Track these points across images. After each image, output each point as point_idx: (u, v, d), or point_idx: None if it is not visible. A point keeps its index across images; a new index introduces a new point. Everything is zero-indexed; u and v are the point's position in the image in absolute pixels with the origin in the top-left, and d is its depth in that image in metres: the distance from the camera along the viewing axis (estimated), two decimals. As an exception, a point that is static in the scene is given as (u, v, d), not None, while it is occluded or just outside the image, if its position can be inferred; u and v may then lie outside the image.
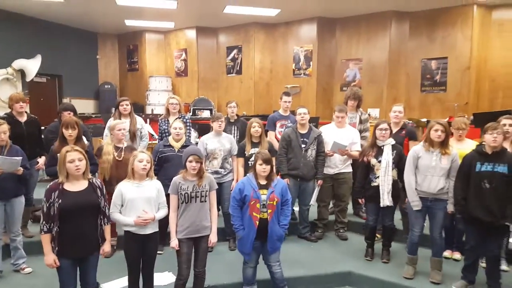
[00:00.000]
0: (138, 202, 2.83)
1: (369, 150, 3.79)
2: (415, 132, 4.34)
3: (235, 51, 10.08)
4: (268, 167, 3.10)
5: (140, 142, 4.61)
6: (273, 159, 3.94)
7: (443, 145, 3.31)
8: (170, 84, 10.31)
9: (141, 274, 2.96)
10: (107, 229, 2.75)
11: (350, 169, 4.41)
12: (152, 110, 9.69)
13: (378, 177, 3.70)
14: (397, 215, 4.10)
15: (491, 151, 3.06)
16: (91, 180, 2.68)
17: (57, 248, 2.53)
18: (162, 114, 4.98)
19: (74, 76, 9.91)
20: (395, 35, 8.43)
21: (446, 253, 3.86)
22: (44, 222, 2.52)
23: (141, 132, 4.65)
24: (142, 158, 2.87)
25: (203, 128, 6.33)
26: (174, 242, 2.96)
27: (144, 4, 7.78)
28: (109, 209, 2.79)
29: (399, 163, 3.67)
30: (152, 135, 6.25)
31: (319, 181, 4.26)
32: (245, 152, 4.14)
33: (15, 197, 3.53)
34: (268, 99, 9.81)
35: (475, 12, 7.58)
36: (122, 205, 2.85)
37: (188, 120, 4.76)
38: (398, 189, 3.67)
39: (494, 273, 3.19)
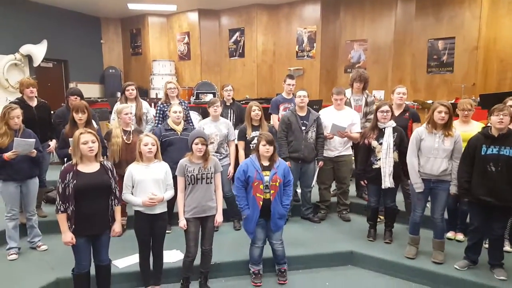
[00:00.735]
0: (147, 183, 2.95)
1: (370, 133, 3.80)
2: (418, 114, 4.33)
3: (237, 34, 9.98)
4: (271, 147, 3.16)
5: (146, 126, 4.67)
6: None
7: (446, 126, 3.30)
8: (173, 68, 10.29)
9: (151, 251, 3.10)
10: (117, 209, 2.87)
11: (350, 152, 4.44)
12: (157, 94, 9.70)
13: (379, 159, 3.72)
14: (400, 197, 4.15)
15: (497, 133, 3.05)
16: (102, 162, 2.78)
17: (73, 227, 2.64)
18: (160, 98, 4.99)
19: (79, 61, 9.94)
20: (401, 15, 8.27)
21: (450, 234, 3.90)
22: (60, 202, 2.63)
23: (147, 116, 4.71)
24: (147, 142, 2.97)
25: (206, 112, 6.34)
26: (182, 222, 3.06)
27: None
28: (119, 190, 2.88)
29: (400, 145, 3.69)
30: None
31: (320, 163, 4.30)
32: (246, 136, 4.17)
33: (30, 178, 3.65)
34: (271, 82, 9.76)
35: (484, -10, 7.41)
36: (133, 187, 2.97)
37: (186, 105, 4.82)
38: (399, 171, 3.69)
39: (497, 254, 3.23)
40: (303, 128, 4.19)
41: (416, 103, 6.96)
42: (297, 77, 6.02)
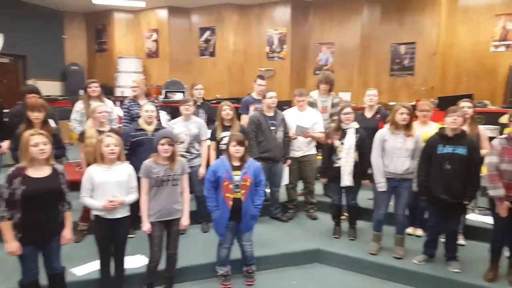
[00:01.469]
0: (108, 186, 2.80)
1: (334, 133, 3.91)
2: (389, 115, 4.49)
3: (208, 33, 9.93)
4: (242, 148, 3.15)
5: (109, 126, 4.53)
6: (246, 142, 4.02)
7: (408, 127, 3.45)
8: (140, 66, 10.07)
9: (112, 257, 2.96)
10: (68, 215, 2.71)
11: (314, 151, 4.55)
12: (122, 92, 9.47)
13: (340, 158, 3.83)
14: (363, 195, 4.27)
15: (452, 133, 3.22)
16: (54, 166, 2.61)
17: (20, 235, 2.47)
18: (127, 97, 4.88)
19: (39, 56, 9.49)
20: (367, 19, 8.53)
21: (409, 230, 4.06)
22: (5, 209, 2.44)
23: (110, 116, 4.56)
24: (109, 142, 2.81)
25: (175, 111, 6.26)
26: (146, 226, 2.97)
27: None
28: (69, 195, 2.71)
29: (361, 146, 3.82)
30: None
31: (288, 161, 4.38)
32: (216, 136, 4.16)
33: None
34: (242, 82, 9.77)
35: (443, -2, 7.78)
36: (92, 190, 2.82)
37: (157, 104, 4.73)
38: (359, 170, 3.82)
39: (452, 248, 3.42)
40: (272, 128, 4.24)
41: (379, 105, 7.18)
42: (268, 78, 6.08)
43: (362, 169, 3.81)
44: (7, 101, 4.35)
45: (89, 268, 3.28)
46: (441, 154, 3.24)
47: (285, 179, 4.51)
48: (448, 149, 3.22)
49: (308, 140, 4.44)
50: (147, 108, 3.86)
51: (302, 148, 4.45)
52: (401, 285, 3.40)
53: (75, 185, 2.95)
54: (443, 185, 3.22)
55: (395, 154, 3.47)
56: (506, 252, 3.25)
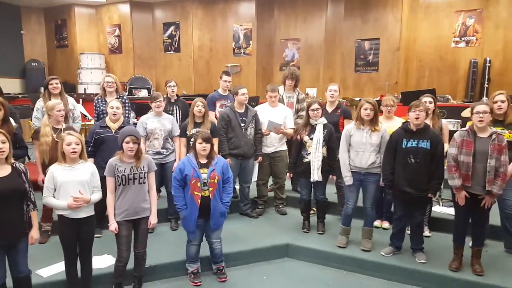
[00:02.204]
0: (70, 185, 2.73)
1: (302, 129, 3.95)
2: (350, 111, 4.57)
3: (172, 28, 9.74)
4: (208, 145, 3.12)
5: (72, 124, 4.37)
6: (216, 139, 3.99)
7: (373, 122, 3.53)
8: (103, 62, 9.76)
9: (78, 258, 2.89)
10: (34, 214, 2.63)
11: (285, 147, 4.58)
12: (85, 89, 9.15)
13: (309, 153, 3.88)
14: (333, 189, 4.36)
15: (415, 128, 3.31)
16: (14, 165, 2.52)
17: None
18: (97, 94, 4.75)
19: (-5, 53, 9.01)
20: (331, 16, 8.66)
21: (376, 223, 4.15)
22: None
23: (73, 114, 4.40)
24: (70, 141, 2.73)
25: (140, 108, 6.12)
26: (113, 226, 2.91)
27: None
28: (34, 194, 2.64)
29: (328, 141, 3.88)
30: (85, 116, 5.93)
31: (259, 158, 4.38)
32: (186, 132, 4.11)
33: None
34: (209, 78, 9.68)
35: (405, -6, 8.02)
36: (55, 190, 2.74)
37: (126, 100, 4.61)
38: (327, 165, 3.88)
39: (418, 239, 3.53)
40: (242, 124, 4.23)
41: (345, 100, 7.34)
42: (234, 73, 6.05)
43: (330, 164, 3.87)
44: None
45: (56, 269, 3.20)
46: (405, 148, 3.33)
47: (255, 176, 4.51)
48: (412, 143, 3.31)
49: (280, 136, 4.46)
50: (113, 104, 3.78)
51: (274, 144, 4.47)
52: (369, 277, 3.48)
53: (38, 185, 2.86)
54: (408, 179, 3.31)
55: (361, 148, 3.54)
56: (469, 242, 3.38)
